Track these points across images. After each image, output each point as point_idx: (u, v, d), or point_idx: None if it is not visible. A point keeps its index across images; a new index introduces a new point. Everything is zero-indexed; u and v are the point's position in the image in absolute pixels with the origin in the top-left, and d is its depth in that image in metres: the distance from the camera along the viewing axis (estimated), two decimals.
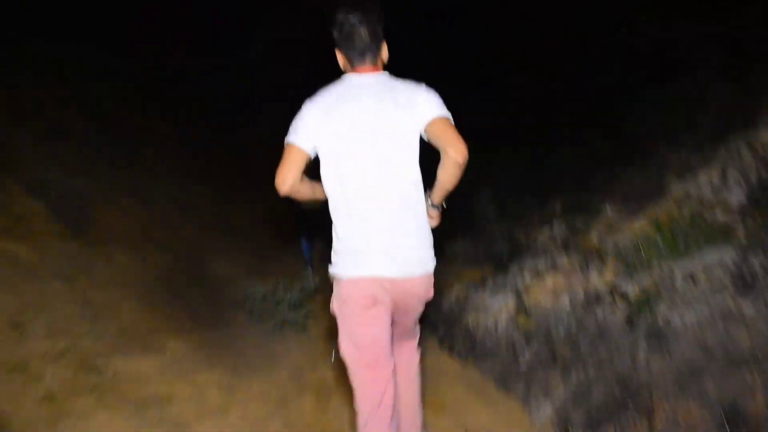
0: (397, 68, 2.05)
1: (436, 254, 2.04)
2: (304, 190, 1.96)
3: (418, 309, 2.12)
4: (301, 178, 1.92)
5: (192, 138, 8.43)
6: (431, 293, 2.07)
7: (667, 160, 4.18)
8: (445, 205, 2.07)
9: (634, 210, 3.66)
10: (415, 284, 1.98)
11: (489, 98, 9.17)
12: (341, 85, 1.97)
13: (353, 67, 1.96)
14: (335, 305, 2.01)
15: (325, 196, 1.99)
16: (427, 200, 2.00)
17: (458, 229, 5.53)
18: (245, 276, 5.23)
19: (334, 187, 1.93)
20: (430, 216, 2.04)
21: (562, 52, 8.53)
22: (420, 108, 1.88)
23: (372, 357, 1.96)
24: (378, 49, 1.95)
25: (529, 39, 9.05)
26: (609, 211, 3.86)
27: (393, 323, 2.05)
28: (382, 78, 1.97)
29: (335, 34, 1.94)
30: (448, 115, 1.91)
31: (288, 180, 1.88)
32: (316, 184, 2.00)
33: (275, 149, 2.01)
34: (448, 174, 1.88)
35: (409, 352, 2.30)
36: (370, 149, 1.88)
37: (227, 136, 9.36)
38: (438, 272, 2.05)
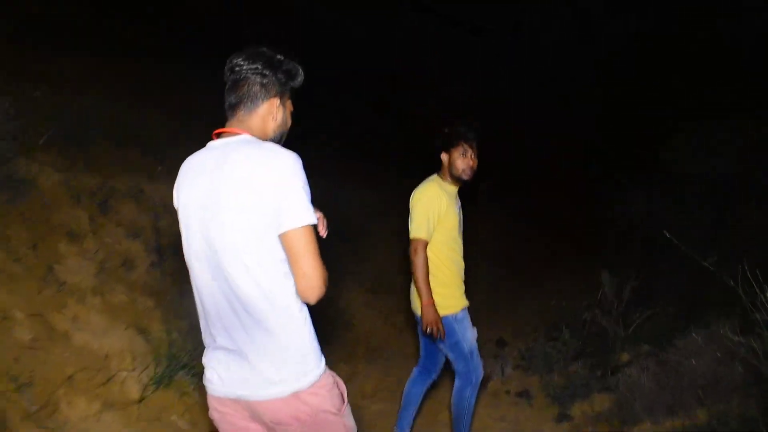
0: None
1: None
2: None
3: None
4: None
5: None
6: (303, 415, 1.42)
7: None
8: None
9: None
10: (268, 409, 1.42)
11: None
12: (202, 150, 1.53)
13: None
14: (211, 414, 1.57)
15: None
16: None
17: None
18: None
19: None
20: None
21: None
22: (271, 204, 1.35)
23: None
24: (255, 105, 1.48)
25: None
26: None
27: None
28: (233, 142, 1.45)
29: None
30: (309, 219, 1.36)
31: None
32: None
33: None
34: None
35: None
36: (201, 243, 1.43)
37: None
38: None
